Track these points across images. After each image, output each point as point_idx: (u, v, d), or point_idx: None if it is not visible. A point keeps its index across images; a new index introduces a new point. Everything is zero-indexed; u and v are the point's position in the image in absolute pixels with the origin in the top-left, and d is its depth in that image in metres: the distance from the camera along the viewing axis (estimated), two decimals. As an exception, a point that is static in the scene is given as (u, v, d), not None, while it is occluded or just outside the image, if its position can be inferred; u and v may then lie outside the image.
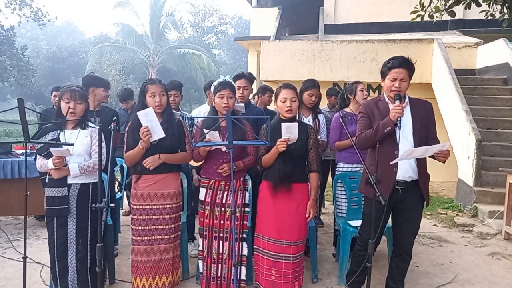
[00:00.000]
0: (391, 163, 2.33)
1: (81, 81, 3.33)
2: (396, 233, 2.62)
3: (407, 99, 2.50)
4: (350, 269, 2.77)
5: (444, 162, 2.39)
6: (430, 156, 2.35)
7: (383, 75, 2.50)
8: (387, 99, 2.53)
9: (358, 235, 2.75)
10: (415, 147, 2.36)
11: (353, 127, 3.12)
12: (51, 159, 2.45)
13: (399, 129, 2.33)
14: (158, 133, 2.49)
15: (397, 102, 2.37)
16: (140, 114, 2.45)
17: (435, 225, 4.88)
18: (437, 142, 2.46)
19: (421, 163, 2.47)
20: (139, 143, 2.52)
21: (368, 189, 2.44)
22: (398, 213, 2.55)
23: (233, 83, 2.76)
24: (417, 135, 2.42)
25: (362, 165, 3.29)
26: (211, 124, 2.58)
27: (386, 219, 2.60)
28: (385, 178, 2.36)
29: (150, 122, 2.45)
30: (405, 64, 2.40)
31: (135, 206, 2.64)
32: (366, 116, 2.55)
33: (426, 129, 2.48)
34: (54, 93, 4.78)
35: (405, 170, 2.43)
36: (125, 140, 2.67)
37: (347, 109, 3.56)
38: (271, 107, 4.95)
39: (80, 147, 2.55)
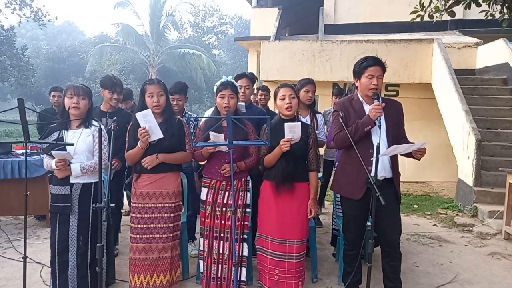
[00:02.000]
0: (380, 155, 2.34)
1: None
2: (379, 233, 2.60)
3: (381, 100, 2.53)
4: (344, 270, 2.78)
5: (419, 160, 2.47)
6: (405, 155, 2.44)
7: (358, 74, 2.54)
8: (361, 98, 2.58)
9: (343, 234, 2.78)
10: (388, 145, 2.42)
11: None
12: (54, 160, 2.51)
13: (379, 128, 2.38)
14: (157, 133, 2.51)
15: (376, 101, 2.42)
16: (139, 115, 2.48)
17: (435, 225, 4.88)
18: (407, 140, 2.54)
19: (394, 162, 2.53)
20: (138, 143, 2.54)
21: (344, 188, 2.56)
22: (376, 212, 2.55)
23: (235, 83, 2.76)
24: (390, 133, 2.48)
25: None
26: (214, 124, 2.59)
27: (366, 217, 2.61)
28: (359, 176, 2.43)
29: (149, 123, 2.47)
30: (380, 63, 2.49)
31: (134, 204, 2.66)
32: (341, 116, 2.57)
33: (397, 128, 2.55)
34: (52, 93, 4.79)
35: (379, 169, 2.43)
36: (126, 139, 2.70)
37: None
38: (271, 106, 4.95)
39: (83, 146, 2.58)
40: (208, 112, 3.96)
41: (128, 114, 3.56)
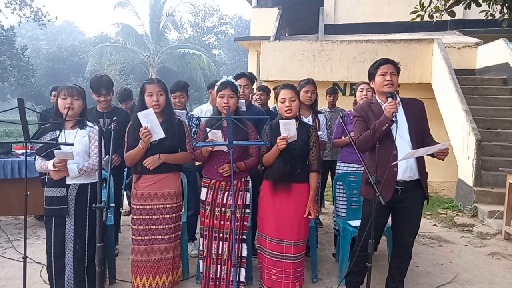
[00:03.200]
0: (393, 163, 2.35)
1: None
2: (396, 233, 2.62)
3: (398, 99, 2.53)
4: (350, 269, 2.77)
5: (443, 160, 2.43)
6: (429, 155, 2.38)
7: (372, 75, 2.56)
8: (379, 101, 2.57)
9: (357, 235, 2.75)
10: (412, 145, 2.40)
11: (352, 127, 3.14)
12: (52, 160, 2.45)
13: (396, 125, 2.35)
14: (158, 133, 2.50)
15: (389, 99, 2.41)
16: (140, 115, 2.46)
17: (435, 225, 4.88)
18: (432, 139, 2.51)
19: (420, 162, 2.49)
20: (139, 143, 2.52)
21: (368, 190, 2.46)
22: (398, 213, 2.55)
23: (235, 83, 2.76)
24: (413, 133, 2.45)
25: (359, 165, 3.34)
26: (214, 124, 2.59)
27: (386, 219, 2.61)
28: (386, 179, 2.37)
29: (150, 123, 2.46)
30: (391, 61, 2.52)
31: (135, 206, 2.64)
32: (362, 119, 2.57)
33: (421, 127, 2.52)
34: (53, 92, 4.79)
35: (405, 170, 2.44)
36: (126, 140, 2.68)
37: (351, 110, 3.61)
38: (271, 106, 4.94)
39: (79, 147, 2.54)
40: (199, 109, 3.99)
41: (125, 112, 3.56)
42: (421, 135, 2.48)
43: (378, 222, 2.43)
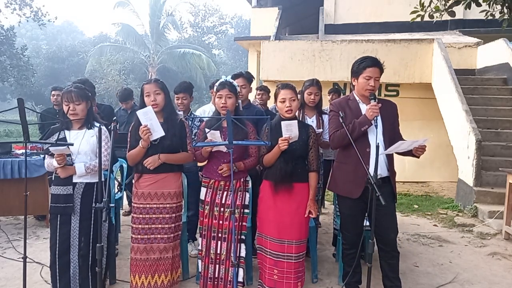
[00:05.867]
0: (383, 152, 2.41)
1: None
2: (377, 232, 2.60)
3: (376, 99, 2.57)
4: (344, 270, 2.78)
5: (418, 157, 2.48)
6: (405, 153, 2.46)
7: (356, 74, 2.55)
8: (357, 98, 2.60)
9: (341, 234, 2.78)
10: (385, 144, 2.46)
11: None
12: (54, 158, 2.51)
13: (376, 128, 2.39)
14: (158, 131, 2.49)
15: (373, 102, 2.44)
16: (139, 113, 2.46)
17: (435, 225, 4.88)
18: (402, 139, 2.55)
19: (390, 160, 2.55)
20: (140, 142, 2.53)
21: (341, 187, 2.58)
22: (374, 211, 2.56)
23: (234, 83, 2.76)
24: (386, 133, 2.50)
25: None
26: (214, 124, 2.59)
27: (363, 216, 2.62)
28: (357, 175, 2.45)
29: (150, 121, 2.46)
30: (378, 64, 2.50)
31: (135, 205, 2.65)
32: (338, 116, 2.58)
33: (393, 127, 2.58)
34: (53, 92, 4.79)
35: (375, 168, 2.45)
36: (128, 139, 2.69)
37: None
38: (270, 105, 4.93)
39: (86, 147, 2.58)
40: (202, 109, 3.99)
41: (109, 108, 3.58)
42: (393, 136, 2.53)
43: (355, 219, 2.58)
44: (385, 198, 2.45)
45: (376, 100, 2.46)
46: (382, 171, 2.50)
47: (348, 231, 2.68)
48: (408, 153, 2.46)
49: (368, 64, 2.48)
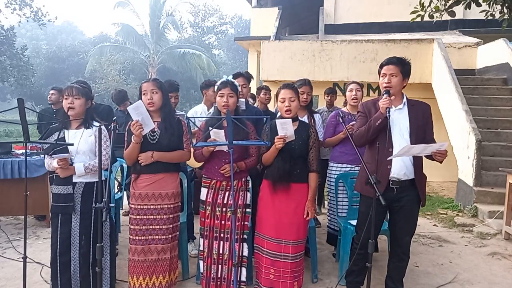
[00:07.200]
0: (388, 158, 2.37)
1: None
2: (392, 232, 2.63)
3: (404, 99, 2.55)
4: (350, 268, 2.77)
5: (441, 162, 2.42)
6: (427, 157, 2.39)
7: (379, 75, 2.59)
8: None
9: (355, 233, 2.76)
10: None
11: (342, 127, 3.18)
12: (55, 159, 2.50)
13: (388, 121, 2.35)
14: (149, 125, 2.46)
15: (384, 96, 2.44)
16: (130, 108, 2.41)
17: (435, 225, 4.88)
18: (434, 143, 2.48)
19: (417, 162, 2.48)
20: (132, 138, 2.50)
21: (364, 187, 2.48)
22: (394, 212, 2.56)
23: (235, 82, 2.77)
24: (413, 134, 2.46)
25: (352, 165, 3.35)
26: (214, 124, 2.59)
27: (382, 218, 2.61)
28: (379, 175, 2.39)
29: (141, 116, 2.42)
30: (393, 61, 2.51)
31: (133, 206, 2.64)
32: (364, 115, 2.60)
33: (423, 130, 2.52)
34: (51, 91, 4.77)
35: (400, 168, 2.44)
36: (125, 139, 2.67)
37: (344, 109, 3.63)
38: (271, 106, 4.95)
39: (85, 146, 2.58)
40: (193, 110, 3.99)
41: (108, 108, 3.57)
42: (422, 138, 2.47)
43: (375, 221, 2.43)
44: (410, 201, 2.48)
45: (390, 95, 2.45)
46: (408, 173, 2.45)
47: (362, 231, 2.59)
48: (429, 157, 2.40)
49: (382, 63, 2.55)
